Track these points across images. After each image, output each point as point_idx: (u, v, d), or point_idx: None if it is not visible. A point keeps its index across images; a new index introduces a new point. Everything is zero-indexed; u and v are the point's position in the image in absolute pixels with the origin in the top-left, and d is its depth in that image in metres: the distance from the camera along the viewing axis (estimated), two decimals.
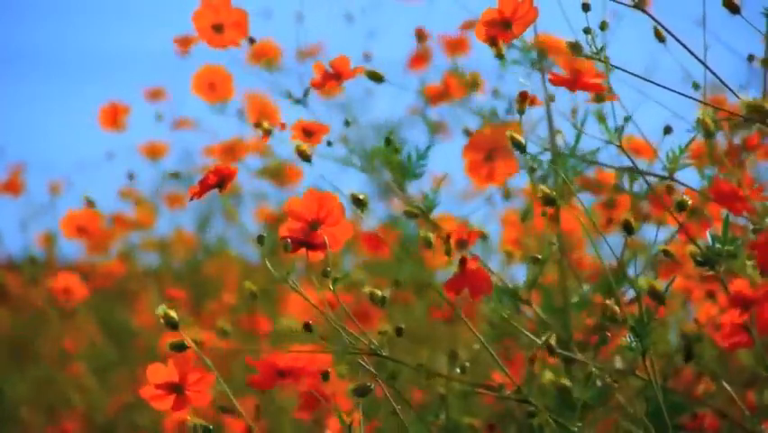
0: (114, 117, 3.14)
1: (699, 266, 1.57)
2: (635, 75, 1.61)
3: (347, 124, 1.95)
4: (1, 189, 3.57)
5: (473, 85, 2.12)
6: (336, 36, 3.13)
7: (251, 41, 1.97)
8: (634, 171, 1.96)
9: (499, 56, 1.65)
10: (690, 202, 1.57)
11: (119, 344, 3.50)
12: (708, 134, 1.57)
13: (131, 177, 2.97)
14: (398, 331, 1.58)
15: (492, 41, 1.62)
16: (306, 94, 2.04)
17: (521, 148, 1.59)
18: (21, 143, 4.16)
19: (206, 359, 1.47)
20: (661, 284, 1.52)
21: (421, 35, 2.31)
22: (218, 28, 1.85)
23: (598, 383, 1.78)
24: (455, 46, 2.56)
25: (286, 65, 2.15)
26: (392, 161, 1.93)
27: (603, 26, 1.68)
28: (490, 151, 1.83)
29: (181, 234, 4.11)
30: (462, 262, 1.58)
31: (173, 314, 1.49)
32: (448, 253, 1.60)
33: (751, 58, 1.91)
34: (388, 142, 1.92)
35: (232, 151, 3.09)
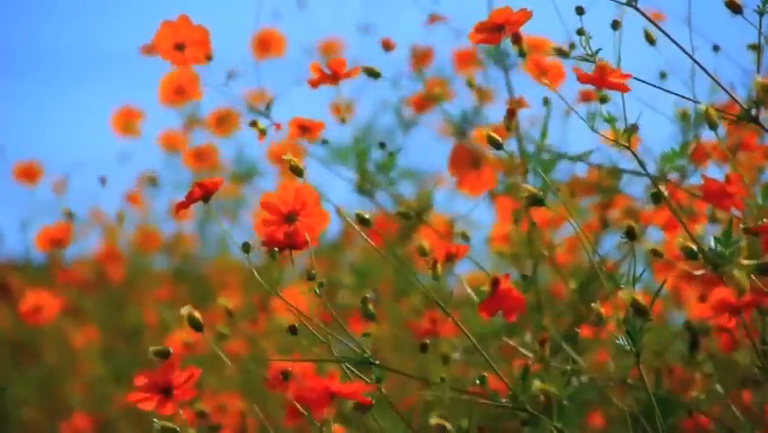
0: (127, 122, 3.14)
1: (689, 260, 1.56)
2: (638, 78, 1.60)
3: (342, 120, 1.96)
4: (18, 177, 3.55)
5: (470, 87, 2.13)
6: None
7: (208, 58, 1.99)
8: (626, 172, 1.96)
9: (522, 54, 1.65)
10: (665, 194, 1.57)
11: (126, 342, 3.50)
12: (713, 127, 1.56)
13: (103, 181, 2.95)
14: (423, 347, 1.59)
15: (515, 39, 1.63)
16: (268, 106, 2.05)
17: (498, 146, 1.59)
18: (21, 143, 4.17)
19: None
20: (644, 295, 1.51)
21: (387, 45, 2.31)
22: (180, 47, 1.86)
23: (576, 382, 1.78)
24: (464, 59, 2.56)
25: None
26: (361, 169, 1.96)
27: (615, 25, 1.66)
28: (473, 159, 1.85)
29: (182, 234, 4.11)
30: (495, 283, 1.57)
31: (197, 315, 1.51)
32: (435, 277, 1.59)
33: (716, 48, 1.91)
34: (361, 151, 1.95)
35: (201, 156, 3.08)
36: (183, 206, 1.55)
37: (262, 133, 1.84)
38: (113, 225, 3.92)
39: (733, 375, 1.97)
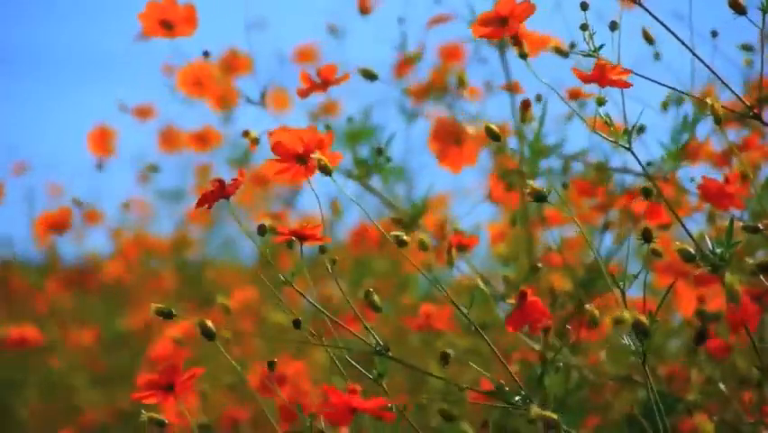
0: (103, 141, 3.12)
1: (687, 262, 1.54)
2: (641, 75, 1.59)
3: (327, 128, 1.96)
4: None
5: (460, 83, 2.12)
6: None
7: (206, 54, 1.98)
8: (621, 170, 1.96)
9: (523, 56, 1.64)
10: (654, 190, 1.55)
11: (120, 346, 3.50)
12: (718, 121, 1.54)
13: (99, 166, 2.96)
14: (445, 357, 1.56)
15: (516, 41, 1.62)
16: (263, 96, 2.05)
17: (497, 138, 1.57)
18: (21, 143, 4.17)
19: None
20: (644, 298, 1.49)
21: (364, 8, 2.31)
22: (167, 25, 1.85)
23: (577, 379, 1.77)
24: (450, 53, 2.56)
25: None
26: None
27: (613, 26, 1.65)
28: (455, 135, 1.84)
29: (185, 235, 4.11)
30: (522, 296, 1.56)
31: (210, 324, 1.49)
32: (450, 264, 1.58)
33: (714, 34, 1.88)
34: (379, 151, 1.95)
35: (204, 140, 3.06)
36: (202, 203, 1.51)
37: (254, 142, 1.83)
38: (113, 226, 3.92)
39: (732, 375, 1.97)
